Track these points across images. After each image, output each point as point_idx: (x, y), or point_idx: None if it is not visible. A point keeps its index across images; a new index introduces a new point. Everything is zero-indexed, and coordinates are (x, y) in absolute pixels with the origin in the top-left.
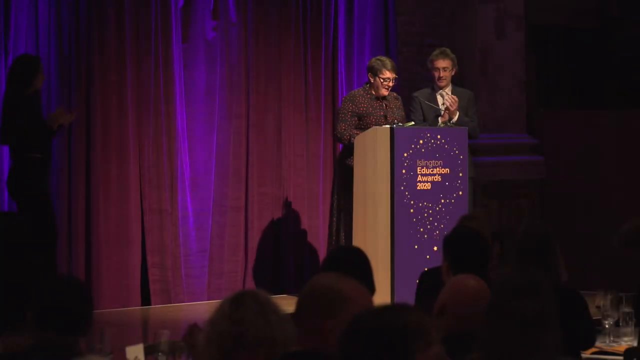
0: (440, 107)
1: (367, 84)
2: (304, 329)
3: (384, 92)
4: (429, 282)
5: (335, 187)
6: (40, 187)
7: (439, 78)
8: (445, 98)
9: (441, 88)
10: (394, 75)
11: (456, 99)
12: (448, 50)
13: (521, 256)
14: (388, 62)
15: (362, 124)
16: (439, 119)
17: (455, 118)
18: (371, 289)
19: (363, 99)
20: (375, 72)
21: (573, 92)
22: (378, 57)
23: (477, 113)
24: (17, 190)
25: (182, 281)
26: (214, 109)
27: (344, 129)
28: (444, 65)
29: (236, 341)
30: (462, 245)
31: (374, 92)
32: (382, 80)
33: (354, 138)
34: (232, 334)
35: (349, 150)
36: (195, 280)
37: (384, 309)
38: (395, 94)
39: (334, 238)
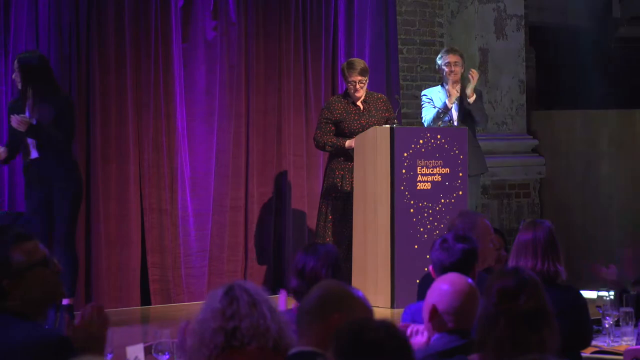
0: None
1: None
2: (313, 327)
3: (356, 94)
4: (431, 283)
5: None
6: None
7: (451, 72)
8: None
9: (453, 83)
10: (361, 78)
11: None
12: (456, 47)
13: (521, 255)
14: (357, 64)
15: (338, 130)
16: (447, 101)
17: (472, 99)
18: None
19: (339, 105)
20: (345, 76)
21: (573, 92)
22: (349, 60)
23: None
24: None
25: (182, 281)
26: (214, 109)
27: (319, 136)
28: (455, 60)
29: (230, 336)
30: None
31: (350, 97)
32: (349, 84)
33: (329, 146)
34: (225, 329)
35: (331, 154)
36: (195, 280)
37: (355, 322)
38: (379, 95)
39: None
